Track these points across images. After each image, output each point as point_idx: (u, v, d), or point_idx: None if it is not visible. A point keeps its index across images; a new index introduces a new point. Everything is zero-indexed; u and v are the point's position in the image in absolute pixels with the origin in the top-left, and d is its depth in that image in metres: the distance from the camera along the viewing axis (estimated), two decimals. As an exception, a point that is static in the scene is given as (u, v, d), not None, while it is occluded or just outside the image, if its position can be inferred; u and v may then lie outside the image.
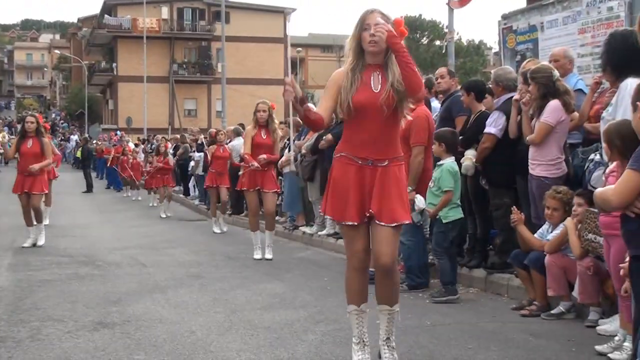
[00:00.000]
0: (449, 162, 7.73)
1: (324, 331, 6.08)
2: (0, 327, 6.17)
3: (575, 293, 6.38)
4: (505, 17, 11.34)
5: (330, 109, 4.81)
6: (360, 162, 4.76)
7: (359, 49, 4.77)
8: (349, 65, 4.78)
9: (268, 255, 10.57)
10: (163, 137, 24.21)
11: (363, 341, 4.88)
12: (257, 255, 10.60)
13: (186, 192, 22.99)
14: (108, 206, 22.93)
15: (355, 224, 4.75)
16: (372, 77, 4.75)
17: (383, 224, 4.72)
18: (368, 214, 4.74)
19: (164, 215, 18.54)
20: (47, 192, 13.13)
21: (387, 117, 4.73)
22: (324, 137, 11.48)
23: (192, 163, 20.62)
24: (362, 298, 4.90)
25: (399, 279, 5.26)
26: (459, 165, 7.94)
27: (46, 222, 14.81)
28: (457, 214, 7.71)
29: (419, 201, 7.76)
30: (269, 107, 10.62)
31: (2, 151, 35.63)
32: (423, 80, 4.70)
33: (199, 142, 20.57)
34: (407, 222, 4.84)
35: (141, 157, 26.78)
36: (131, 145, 29.54)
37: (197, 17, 60.03)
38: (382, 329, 4.92)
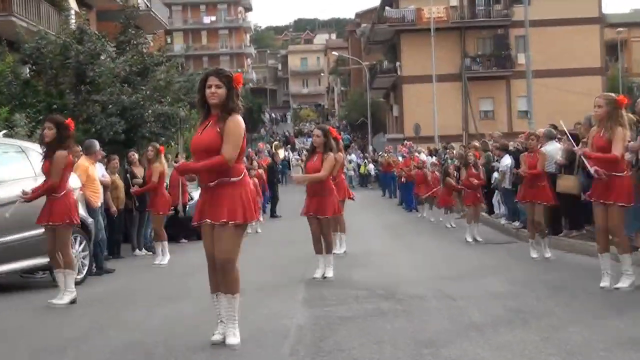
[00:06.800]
0: None
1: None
2: (305, 372, 6.49)
3: None
4: None
5: None
6: None
7: None
8: None
9: None
10: (473, 144, 24.21)
11: None
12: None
13: (490, 210, 22.73)
14: (399, 228, 23.45)
15: None
16: None
17: None
18: None
19: (470, 239, 18.11)
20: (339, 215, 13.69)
21: None
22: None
23: (495, 174, 20.52)
24: None
25: None
26: None
27: (339, 250, 15.24)
28: None
29: None
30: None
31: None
32: None
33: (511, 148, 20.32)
34: None
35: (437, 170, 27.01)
36: (423, 157, 29.95)
37: (492, 0, 59.81)
38: None
